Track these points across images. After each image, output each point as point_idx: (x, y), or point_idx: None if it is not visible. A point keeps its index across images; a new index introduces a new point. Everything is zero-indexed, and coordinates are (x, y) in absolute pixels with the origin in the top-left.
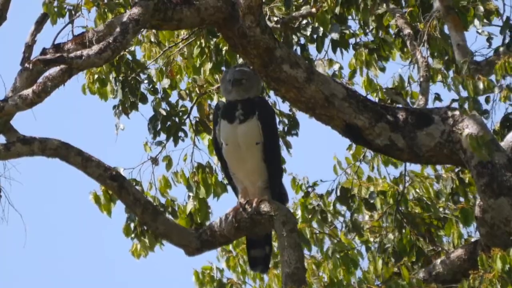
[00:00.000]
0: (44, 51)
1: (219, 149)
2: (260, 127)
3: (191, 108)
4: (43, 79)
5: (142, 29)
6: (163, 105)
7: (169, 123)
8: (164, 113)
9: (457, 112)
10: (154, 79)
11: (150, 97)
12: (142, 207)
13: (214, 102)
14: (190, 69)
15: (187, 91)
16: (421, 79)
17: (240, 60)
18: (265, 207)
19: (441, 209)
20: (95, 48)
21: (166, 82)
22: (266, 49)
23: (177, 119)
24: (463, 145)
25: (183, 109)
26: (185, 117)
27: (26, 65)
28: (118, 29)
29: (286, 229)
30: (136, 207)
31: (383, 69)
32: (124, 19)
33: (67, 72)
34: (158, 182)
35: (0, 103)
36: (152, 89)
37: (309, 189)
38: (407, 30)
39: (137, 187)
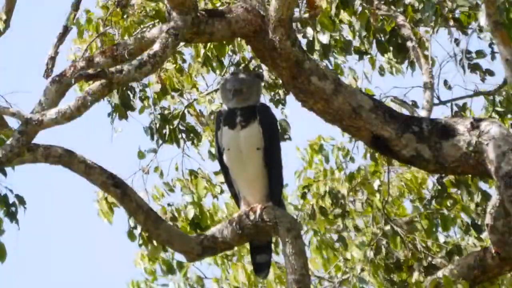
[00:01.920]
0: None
1: (221, 155)
2: (261, 132)
3: (181, 113)
4: (84, 94)
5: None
6: (158, 109)
7: (167, 127)
8: (158, 117)
9: (482, 123)
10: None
11: (139, 104)
12: (144, 214)
13: (203, 107)
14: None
15: (178, 96)
16: (425, 86)
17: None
18: (269, 214)
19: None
20: (135, 62)
21: (157, 87)
22: (295, 61)
23: (174, 122)
24: (489, 156)
25: (174, 113)
26: (175, 122)
27: (56, 77)
28: (157, 44)
29: (291, 236)
30: (138, 214)
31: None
32: (164, 34)
33: (107, 87)
34: (151, 190)
35: (39, 117)
36: (142, 97)
37: (305, 190)
38: (410, 36)
39: None
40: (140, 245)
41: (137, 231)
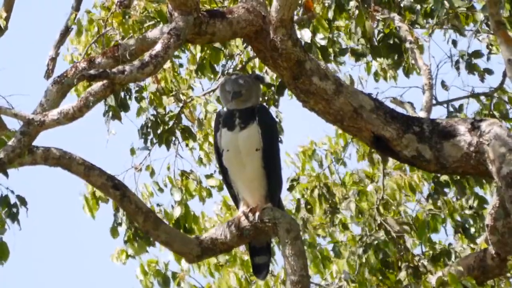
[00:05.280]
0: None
1: (220, 156)
2: (260, 133)
3: (177, 114)
4: (86, 94)
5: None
6: (151, 110)
7: (160, 128)
8: (152, 118)
9: (483, 123)
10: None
11: (136, 105)
12: (144, 216)
13: (198, 109)
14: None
15: (174, 97)
16: (424, 87)
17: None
18: (268, 215)
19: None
20: (137, 63)
21: (153, 87)
22: (296, 61)
23: (169, 123)
24: (490, 156)
25: (170, 114)
26: (170, 123)
27: (57, 78)
28: (159, 45)
29: (290, 237)
30: (137, 215)
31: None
32: (165, 34)
33: (109, 87)
34: (142, 189)
35: (41, 117)
36: (138, 98)
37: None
38: (409, 38)
39: None
40: (125, 242)
41: (121, 229)
